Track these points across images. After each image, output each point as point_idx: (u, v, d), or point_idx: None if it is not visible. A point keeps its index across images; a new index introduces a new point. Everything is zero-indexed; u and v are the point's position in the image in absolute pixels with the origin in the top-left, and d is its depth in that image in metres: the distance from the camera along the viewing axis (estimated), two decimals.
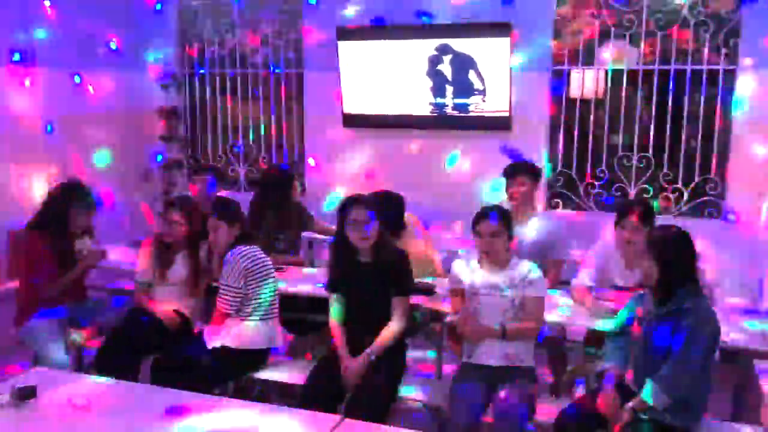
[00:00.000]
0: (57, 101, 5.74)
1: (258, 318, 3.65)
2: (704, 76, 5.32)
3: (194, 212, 4.05)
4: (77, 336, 3.98)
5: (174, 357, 3.64)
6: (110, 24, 6.18)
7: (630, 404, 2.91)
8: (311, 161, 6.30)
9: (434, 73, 5.76)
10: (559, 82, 5.69)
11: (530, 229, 4.24)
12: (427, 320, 4.05)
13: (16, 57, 5.41)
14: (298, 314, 4.15)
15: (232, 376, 3.67)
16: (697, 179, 5.45)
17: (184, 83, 6.81)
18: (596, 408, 2.99)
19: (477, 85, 5.65)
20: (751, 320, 3.59)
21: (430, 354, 4.07)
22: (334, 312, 3.53)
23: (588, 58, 5.65)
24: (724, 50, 5.22)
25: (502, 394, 3.16)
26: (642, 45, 5.44)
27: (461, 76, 5.69)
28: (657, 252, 2.96)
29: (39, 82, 5.59)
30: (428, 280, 4.06)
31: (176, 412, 2.61)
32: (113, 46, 6.25)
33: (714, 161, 5.40)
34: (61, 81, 5.77)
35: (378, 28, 5.86)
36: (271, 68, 6.47)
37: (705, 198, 5.44)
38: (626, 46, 5.50)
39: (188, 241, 3.99)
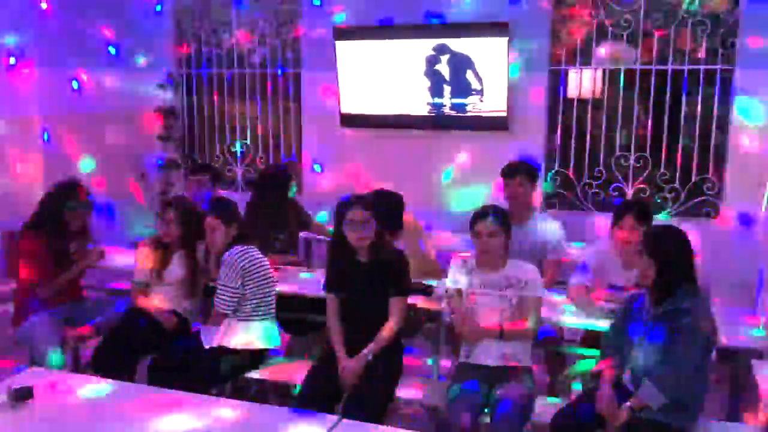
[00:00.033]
0: (55, 101, 5.74)
1: (255, 318, 3.64)
2: (701, 76, 5.32)
3: (191, 212, 4.04)
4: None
5: (171, 357, 3.64)
6: (107, 24, 6.18)
7: (627, 404, 2.91)
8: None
9: (432, 73, 5.76)
10: (557, 82, 5.70)
11: (528, 230, 4.24)
12: (423, 320, 4.04)
13: (12, 61, 5.42)
14: (295, 314, 4.14)
15: (230, 376, 3.66)
16: (694, 179, 5.45)
17: (182, 83, 6.80)
18: (593, 408, 2.99)
19: (475, 85, 5.65)
20: (748, 320, 3.60)
21: (428, 354, 4.06)
22: (332, 312, 3.52)
23: (585, 58, 5.65)
24: (721, 50, 5.23)
25: (500, 394, 3.16)
26: (639, 45, 5.44)
27: (459, 76, 5.69)
28: (654, 252, 2.96)
29: (36, 81, 5.58)
30: (426, 280, 4.05)
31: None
32: (112, 50, 6.25)
33: (711, 161, 5.40)
34: (59, 81, 5.76)
35: (375, 28, 5.86)
36: (279, 70, 6.47)
37: (702, 198, 5.45)
38: (623, 46, 5.50)
39: (185, 242, 3.99)
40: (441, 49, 5.68)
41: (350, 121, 6.12)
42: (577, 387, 3.84)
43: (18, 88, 5.50)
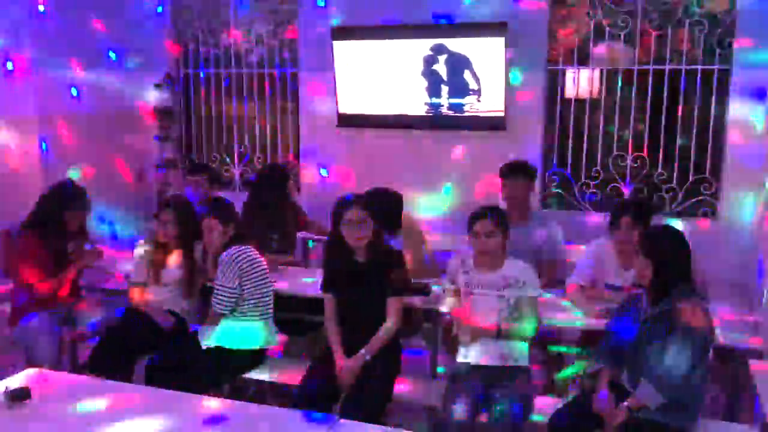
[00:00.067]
0: (51, 101, 5.73)
1: (253, 318, 3.64)
2: (699, 76, 5.33)
3: (189, 212, 4.03)
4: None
5: (168, 357, 3.64)
6: (104, 24, 6.17)
7: (625, 404, 2.91)
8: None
9: (429, 73, 5.76)
10: (554, 82, 5.70)
11: (526, 230, 4.24)
12: (420, 320, 4.04)
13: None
14: (293, 314, 4.13)
15: (227, 376, 3.66)
16: (691, 179, 5.46)
17: (179, 83, 6.80)
18: (591, 408, 2.99)
19: (472, 85, 5.65)
20: (745, 319, 3.60)
21: (426, 354, 4.07)
22: (329, 312, 3.52)
23: (583, 58, 5.66)
24: (718, 50, 5.24)
25: (498, 394, 3.17)
26: (637, 45, 5.45)
27: (456, 76, 5.69)
28: (651, 252, 2.96)
29: (33, 81, 5.57)
30: (424, 280, 4.05)
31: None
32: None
33: (708, 161, 5.41)
34: (55, 81, 5.75)
35: (373, 28, 5.86)
36: (276, 70, 6.46)
37: (699, 197, 5.45)
38: (621, 46, 5.51)
39: (183, 242, 3.98)
40: (438, 49, 5.68)
41: (348, 121, 6.11)
42: (574, 387, 3.85)
43: (15, 90, 5.49)
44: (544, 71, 5.65)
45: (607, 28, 5.49)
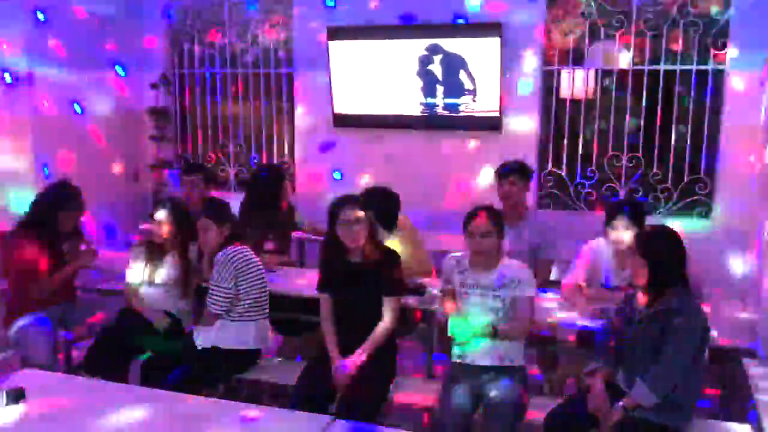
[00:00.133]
0: (50, 101, 5.71)
1: (248, 318, 3.64)
2: (693, 77, 5.34)
3: (184, 213, 4.03)
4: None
5: (164, 358, 3.63)
6: (101, 24, 6.15)
7: (620, 403, 2.92)
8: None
9: (425, 73, 5.76)
10: (549, 83, 5.71)
11: (521, 229, 4.25)
12: (416, 320, 4.05)
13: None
14: (288, 314, 4.14)
15: (223, 376, 3.66)
16: (686, 179, 5.47)
17: (174, 83, 6.79)
18: (586, 407, 3.00)
19: (467, 85, 5.66)
20: (740, 319, 3.62)
21: (421, 354, 4.07)
22: (325, 312, 3.52)
23: (578, 58, 5.67)
24: (713, 51, 5.25)
25: (493, 393, 3.17)
26: (632, 45, 5.46)
27: (452, 76, 5.69)
28: (646, 252, 2.97)
29: (28, 81, 5.55)
30: (419, 280, 4.06)
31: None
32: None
33: (703, 161, 5.43)
34: (52, 81, 5.74)
35: (368, 28, 5.86)
36: (272, 70, 6.46)
37: (694, 197, 5.47)
38: (616, 46, 5.52)
39: (178, 242, 3.98)
40: (434, 50, 5.68)
41: (343, 121, 6.11)
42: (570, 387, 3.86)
43: (10, 88, 5.48)
44: (540, 71, 5.65)
45: (602, 29, 5.50)
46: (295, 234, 5.08)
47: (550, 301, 3.84)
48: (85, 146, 6.05)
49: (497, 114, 5.63)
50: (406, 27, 5.73)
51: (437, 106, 5.81)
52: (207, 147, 6.86)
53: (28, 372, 3.15)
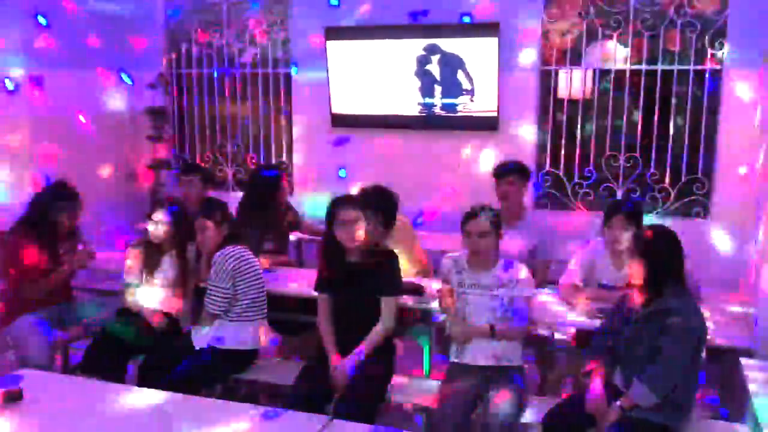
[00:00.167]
0: (44, 101, 5.70)
1: (246, 319, 3.64)
2: (691, 77, 5.35)
3: (182, 213, 4.03)
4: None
5: (162, 358, 3.63)
6: (98, 24, 6.14)
7: (618, 403, 2.92)
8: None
9: (423, 73, 5.77)
10: (547, 83, 5.72)
11: (519, 229, 4.25)
12: (414, 320, 4.05)
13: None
14: (286, 315, 4.14)
15: (220, 376, 3.66)
16: (684, 179, 5.48)
17: (172, 83, 6.78)
18: (584, 407, 3.00)
19: (465, 85, 5.66)
20: (736, 319, 3.62)
21: (419, 354, 4.07)
22: (323, 312, 3.52)
23: (576, 58, 5.67)
24: (710, 51, 5.26)
25: (491, 393, 3.17)
26: (629, 45, 5.47)
27: (449, 76, 5.69)
28: (644, 251, 2.97)
29: (25, 83, 5.55)
30: (417, 280, 4.06)
31: None
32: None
33: (701, 161, 5.43)
34: (49, 81, 5.73)
35: (366, 28, 5.86)
36: (270, 70, 6.46)
37: (692, 197, 5.47)
38: (614, 46, 5.52)
39: (176, 242, 3.97)
40: (432, 49, 5.69)
41: (341, 121, 6.11)
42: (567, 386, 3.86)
43: (5, 88, 5.48)
44: (537, 71, 5.66)
45: (600, 29, 5.50)
46: (293, 234, 5.08)
47: (547, 300, 3.83)
48: (83, 146, 6.04)
49: (495, 114, 5.63)
50: (404, 27, 5.73)
51: (435, 106, 5.81)
52: (205, 147, 6.85)
53: (26, 372, 3.14)
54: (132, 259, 4.01)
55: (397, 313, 3.51)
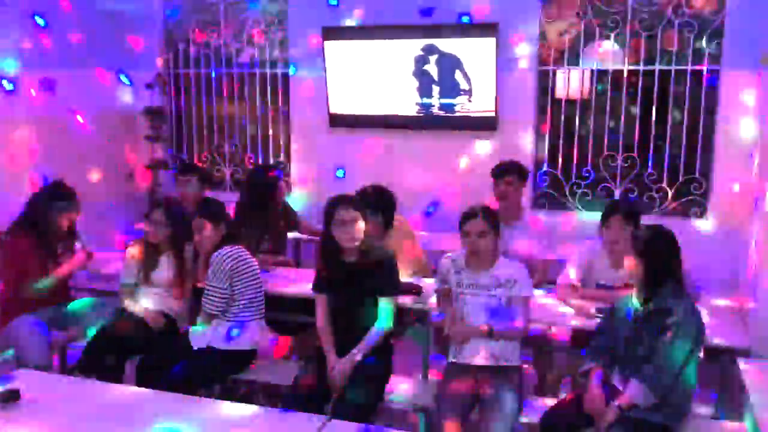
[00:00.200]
0: (42, 101, 5.69)
1: (244, 319, 3.63)
2: (689, 77, 5.35)
3: (180, 213, 4.02)
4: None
5: (159, 358, 3.62)
6: (95, 24, 6.14)
7: (616, 403, 2.92)
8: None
9: (420, 73, 5.77)
10: (545, 83, 5.72)
11: (517, 229, 4.25)
12: (412, 320, 4.05)
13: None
14: (284, 315, 4.14)
15: (218, 377, 3.65)
16: (681, 179, 5.48)
17: (170, 83, 6.78)
18: (582, 407, 3.00)
19: (463, 85, 5.66)
20: (733, 319, 3.63)
21: (417, 354, 4.07)
22: (321, 312, 3.52)
23: (573, 58, 5.68)
24: (708, 51, 5.27)
25: (489, 393, 3.17)
26: (627, 45, 5.47)
27: (447, 76, 5.69)
28: (642, 251, 2.98)
29: (22, 82, 5.54)
30: (415, 280, 4.06)
31: None
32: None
33: (698, 161, 5.44)
34: (46, 81, 5.72)
35: (364, 28, 5.86)
36: (267, 70, 6.46)
37: (689, 197, 5.48)
38: (611, 46, 5.52)
39: (174, 242, 3.97)
40: (429, 50, 5.68)
41: (339, 121, 6.11)
42: (565, 386, 3.86)
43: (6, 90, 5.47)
44: (535, 71, 5.66)
45: (598, 29, 5.51)
46: (290, 234, 5.08)
47: (545, 301, 3.84)
48: (81, 146, 6.03)
49: (493, 114, 5.63)
50: (402, 27, 5.73)
51: (433, 106, 5.81)
52: (202, 147, 6.85)
53: (23, 372, 3.14)
54: (130, 260, 4.01)
55: (396, 313, 3.51)
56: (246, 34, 6.46)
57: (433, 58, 5.69)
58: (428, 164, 5.91)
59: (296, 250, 5.67)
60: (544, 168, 5.84)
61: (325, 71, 5.97)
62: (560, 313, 3.70)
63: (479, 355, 3.34)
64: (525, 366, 3.53)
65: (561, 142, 5.76)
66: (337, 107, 6.06)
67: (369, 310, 3.43)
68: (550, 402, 3.28)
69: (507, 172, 4.36)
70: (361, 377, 3.28)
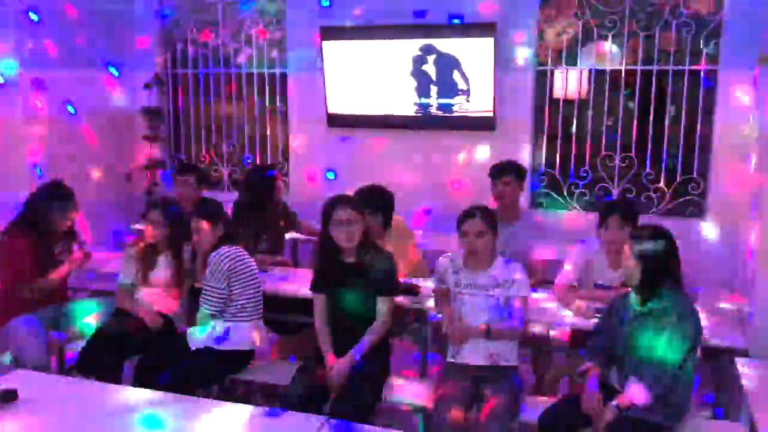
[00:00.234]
0: (41, 101, 5.69)
1: (242, 319, 3.63)
2: (686, 77, 5.36)
3: (177, 213, 4.02)
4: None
5: (157, 358, 3.62)
6: (93, 24, 6.13)
7: (614, 403, 2.92)
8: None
9: (419, 73, 5.77)
10: (543, 83, 5.72)
11: (515, 229, 4.25)
12: (410, 320, 4.05)
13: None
14: (282, 315, 4.13)
15: (216, 377, 3.65)
16: (679, 179, 5.49)
17: (168, 83, 6.77)
18: (580, 407, 3.00)
19: (461, 85, 5.66)
20: (731, 319, 3.63)
21: (415, 354, 4.07)
22: (319, 312, 3.52)
23: (571, 58, 5.68)
24: (705, 51, 5.27)
25: (487, 393, 3.17)
26: (625, 46, 5.48)
27: (445, 76, 5.70)
28: (639, 251, 2.98)
29: (20, 82, 5.53)
30: (413, 280, 4.06)
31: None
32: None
33: (696, 161, 5.44)
34: (43, 81, 5.72)
35: (362, 28, 5.86)
36: (265, 70, 6.46)
37: (687, 197, 5.49)
38: (609, 46, 5.53)
39: (171, 243, 3.97)
40: (427, 50, 5.69)
41: (337, 121, 6.11)
42: (563, 386, 3.86)
43: (4, 90, 5.46)
44: (533, 71, 5.66)
45: (595, 29, 5.51)
46: (288, 234, 5.08)
47: (543, 300, 3.84)
48: (78, 146, 6.03)
49: (491, 114, 5.64)
50: (400, 27, 5.73)
51: (431, 106, 5.81)
52: (200, 147, 6.85)
53: (21, 373, 3.13)
54: (127, 260, 4.00)
55: (393, 313, 3.51)
56: (244, 34, 6.46)
57: (431, 58, 5.70)
58: (426, 164, 5.92)
59: (294, 250, 5.67)
60: (542, 168, 5.85)
61: (323, 71, 5.97)
62: (558, 313, 3.70)
63: (477, 355, 3.34)
64: (523, 366, 3.52)
65: (559, 142, 5.77)
66: (335, 107, 6.06)
67: (367, 310, 3.43)
68: (548, 402, 3.27)
69: (505, 172, 4.36)
70: (359, 377, 3.27)
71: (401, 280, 3.71)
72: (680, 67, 5.37)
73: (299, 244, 5.63)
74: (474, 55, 5.55)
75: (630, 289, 3.10)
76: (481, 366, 3.32)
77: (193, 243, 3.81)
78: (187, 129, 6.87)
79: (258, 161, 6.60)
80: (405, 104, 5.87)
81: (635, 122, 5.55)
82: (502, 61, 5.56)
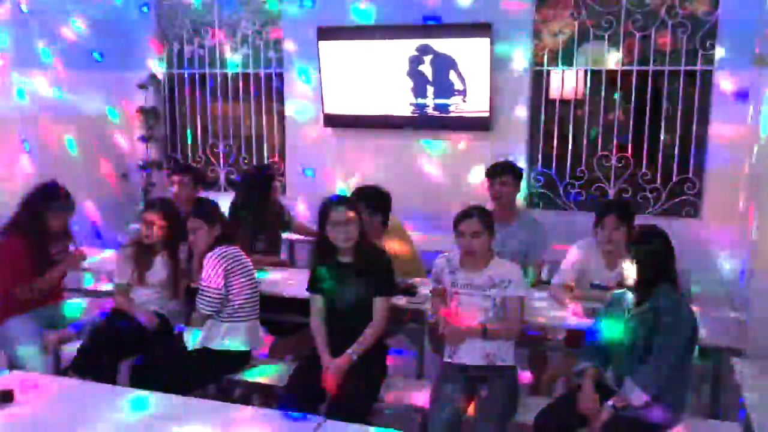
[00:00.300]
0: (37, 101, 5.68)
1: (238, 319, 3.63)
2: (682, 77, 5.37)
3: (174, 213, 4.02)
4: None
5: (154, 359, 3.61)
6: (90, 24, 6.12)
7: (610, 402, 2.93)
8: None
9: (415, 74, 5.77)
10: (539, 83, 5.73)
11: (511, 229, 4.26)
12: (407, 320, 4.05)
13: None
14: (279, 315, 4.13)
15: (213, 377, 3.65)
16: (675, 179, 5.50)
17: (164, 83, 6.76)
18: (576, 407, 3.01)
19: (457, 85, 5.67)
20: (727, 318, 3.64)
21: (412, 354, 4.07)
22: (316, 313, 3.52)
23: (567, 58, 5.69)
24: (701, 52, 5.28)
25: (483, 393, 3.18)
26: (621, 46, 5.48)
27: (442, 76, 5.70)
28: (636, 251, 2.98)
29: (16, 81, 5.52)
30: (410, 280, 4.06)
31: None
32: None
33: (692, 161, 5.46)
34: (40, 81, 5.71)
35: (358, 28, 5.86)
36: (262, 70, 6.45)
37: (683, 197, 5.50)
38: (605, 47, 5.54)
39: (168, 243, 3.96)
40: (424, 50, 5.69)
41: (333, 121, 6.11)
42: (559, 386, 3.86)
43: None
44: (529, 72, 5.67)
45: (591, 29, 5.52)
46: (285, 234, 5.07)
47: (540, 300, 3.84)
48: (75, 146, 6.02)
49: (487, 114, 5.64)
50: (397, 27, 5.73)
51: (427, 106, 5.81)
52: (197, 147, 6.84)
53: (17, 374, 3.13)
54: (124, 260, 4.00)
55: (390, 314, 3.51)
56: (240, 34, 6.45)
57: (427, 59, 5.70)
58: (423, 164, 5.92)
59: (290, 250, 5.67)
60: (539, 168, 5.86)
61: (320, 71, 5.97)
62: (555, 313, 3.70)
63: (474, 355, 3.34)
64: (519, 366, 3.53)
65: (555, 142, 5.77)
66: (332, 107, 6.06)
67: (363, 311, 3.43)
68: (545, 402, 3.28)
69: (501, 172, 4.36)
70: (356, 377, 3.27)
71: (398, 280, 3.71)
72: (676, 68, 5.38)
73: (295, 245, 5.62)
74: (470, 55, 5.56)
75: (626, 288, 3.11)
76: (477, 366, 3.32)
77: (190, 243, 3.81)
78: (183, 129, 6.87)
79: (254, 161, 6.60)
80: (401, 104, 5.87)
81: (631, 122, 5.56)
82: (499, 61, 5.56)
